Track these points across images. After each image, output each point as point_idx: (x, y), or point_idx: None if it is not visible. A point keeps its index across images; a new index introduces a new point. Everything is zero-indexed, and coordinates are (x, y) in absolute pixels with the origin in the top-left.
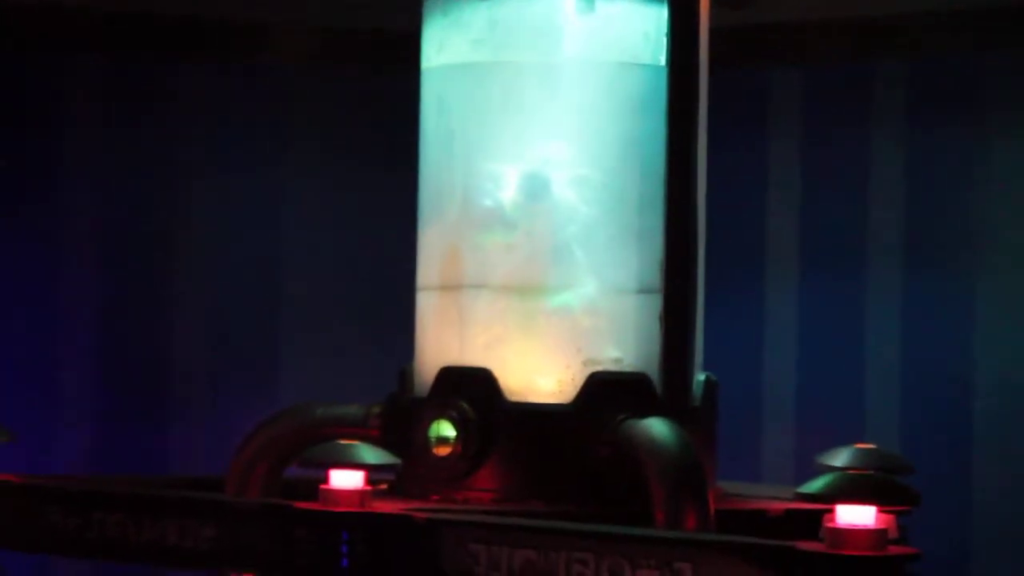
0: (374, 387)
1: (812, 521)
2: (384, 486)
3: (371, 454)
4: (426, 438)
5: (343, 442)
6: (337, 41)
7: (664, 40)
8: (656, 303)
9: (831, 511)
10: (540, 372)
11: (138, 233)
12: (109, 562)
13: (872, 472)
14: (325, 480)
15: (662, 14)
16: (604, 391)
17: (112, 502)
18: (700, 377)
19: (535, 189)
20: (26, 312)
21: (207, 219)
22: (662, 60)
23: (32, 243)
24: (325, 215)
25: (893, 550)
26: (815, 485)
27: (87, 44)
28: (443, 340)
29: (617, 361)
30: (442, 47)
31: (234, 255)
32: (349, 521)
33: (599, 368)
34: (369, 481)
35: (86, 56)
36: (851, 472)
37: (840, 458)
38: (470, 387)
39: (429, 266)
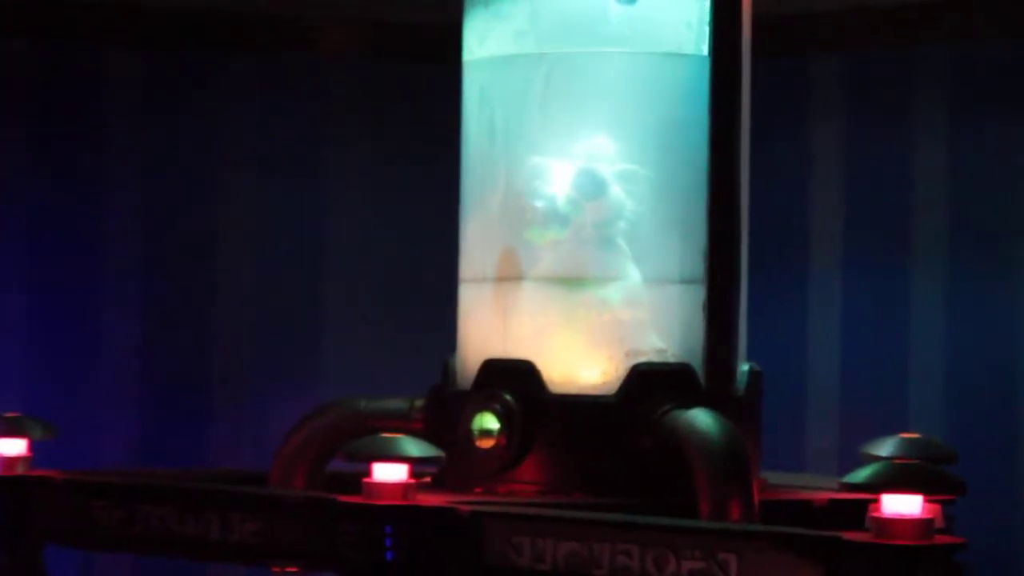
0: (417, 380)
1: (858, 511)
2: (428, 479)
3: (414, 447)
4: (469, 431)
5: (386, 435)
6: (378, 34)
7: (706, 30)
8: (700, 294)
9: (877, 501)
10: (583, 364)
11: (180, 227)
12: (152, 556)
13: (918, 461)
14: (368, 473)
15: (704, 3)
16: (647, 382)
17: (155, 496)
18: (744, 367)
19: (578, 182)
20: (68, 307)
21: (248, 213)
22: (704, 50)
23: (74, 238)
24: (366, 208)
25: (939, 539)
26: (860, 475)
27: (128, 39)
28: (486, 332)
29: (660, 352)
30: (484, 39)
31: (275, 249)
32: (393, 514)
33: (642, 359)
34: (413, 474)
35: (127, 51)
36: (896, 461)
37: (885, 448)
38: (513, 379)
39: (472, 259)
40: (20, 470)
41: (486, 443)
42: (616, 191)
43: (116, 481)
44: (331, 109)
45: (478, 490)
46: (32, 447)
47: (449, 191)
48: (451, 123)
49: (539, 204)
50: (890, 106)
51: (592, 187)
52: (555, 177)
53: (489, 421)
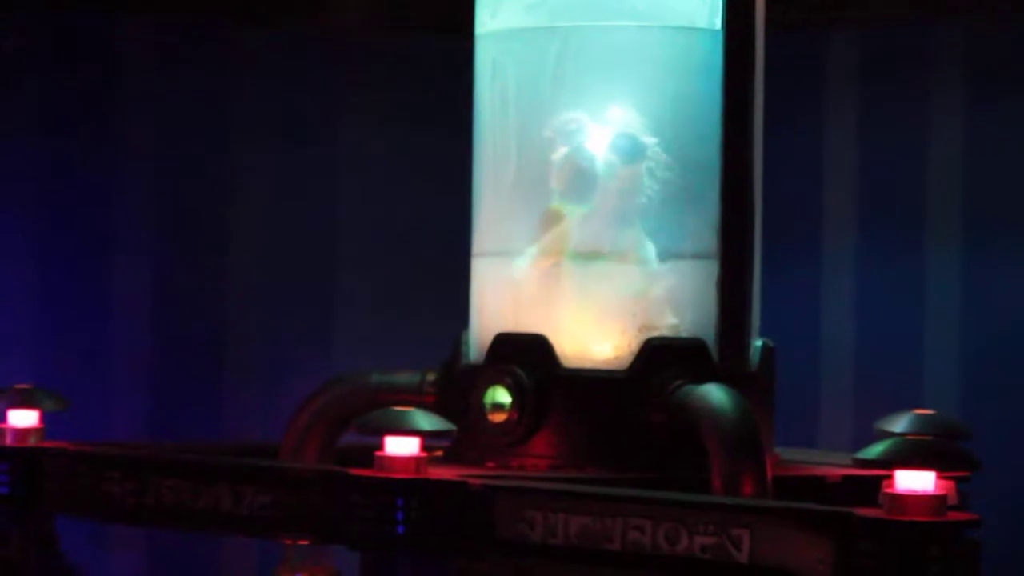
0: (429, 353)
1: (871, 487)
2: (440, 453)
3: (426, 420)
4: (481, 404)
5: (398, 408)
6: (392, 5)
7: (720, 3)
8: (713, 269)
9: (890, 477)
10: (596, 339)
11: (193, 199)
12: (164, 529)
13: (931, 438)
14: (380, 447)
15: None
16: (660, 357)
17: (168, 469)
18: (757, 343)
19: (613, 142)
20: (80, 279)
21: (262, 184)
22: (718, 23)
23: (86, 210)
24: (380, 180)
25: (953, 516)
26: (873, 451)
27: (143, 6)
28: (498, 306)
29: (673, 327)
30: (496, 12)
31: (289, 221)
32: (405, 487)
33: (655, 334)
34: (425, 448)
35: (141, 19)
36: (910, 437)
37: (899, 424)
38: (526, 353)
39: (484, 232)
40: (32, 441)
41: (498, 417)
42: (639, 168)
43: (128, 453)
44: (345, 81)
45: (490, 464)
46: (43, 419)
47: (464, 164)
48: (466, 96)
49: (543, 173)
50: (906, 82)
51: (633, 151)
52: (561, 149)
53: (501, 395)
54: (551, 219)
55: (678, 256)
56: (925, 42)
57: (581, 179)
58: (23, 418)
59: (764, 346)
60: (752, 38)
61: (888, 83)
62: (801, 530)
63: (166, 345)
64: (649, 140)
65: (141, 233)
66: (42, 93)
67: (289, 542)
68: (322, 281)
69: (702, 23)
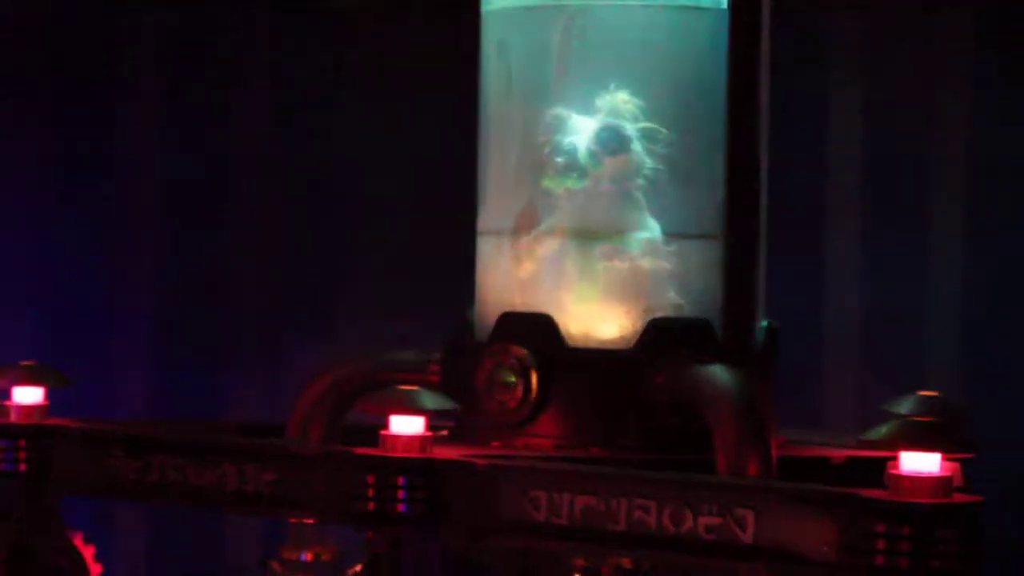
0: (433, 333)
1: (875, 468)
2: (445, 432)
3: (431, 399)
4: (486, 384)
5: (403, 387)
6: None
7: None
8: (718, 249)
9: (895, 458)
10: (601, 318)
11: (196, 177)
12: (169, 506)
13: (936, 419)
14: (385, 426)
15: None
16: (665, 337)
17: (172, 446)
18: (762, 323)
19: (601, 136)
20: (84, 257)
21: (265, 162)
22: (724, 2)
23: (89, 188)
24: (384, 158)
25: (958, 497)
26: (878, 432)
27: None
28: (503, 285)
29: (678, 307)
30: None
31: (293, 200)
32: (409, 466)
33: (660, 314)
34: (430, 427)
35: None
36: (915, 419)
37: (904, 405)
38: (530, 332)
39: (489, 211)
40: (37, 419)
41: (503, 396)
42: (636, 147)
43: (132, 431)
44: (352, 58)
45: (495, 444)
46: (48, 396)
47: (468, 143)
48: (471, 74)
49: (549, 151)
50: (910, 57)
51: (615, 143)
52: (566, 128)
53: (506, 374)
54: (536, 195)
55: (683, 236)
56: (930, 16)
57: (567, 161)
58: (28, 395)
59: (769, 326)
60: (758, 17)
61: (893, 58)
62: (806, 511)
63: (170, 323)
64: (641, 125)
65: (144, 213)
66: (46, 70)
67: (294, 520)
68: (327, 258)
69: (708, 3)
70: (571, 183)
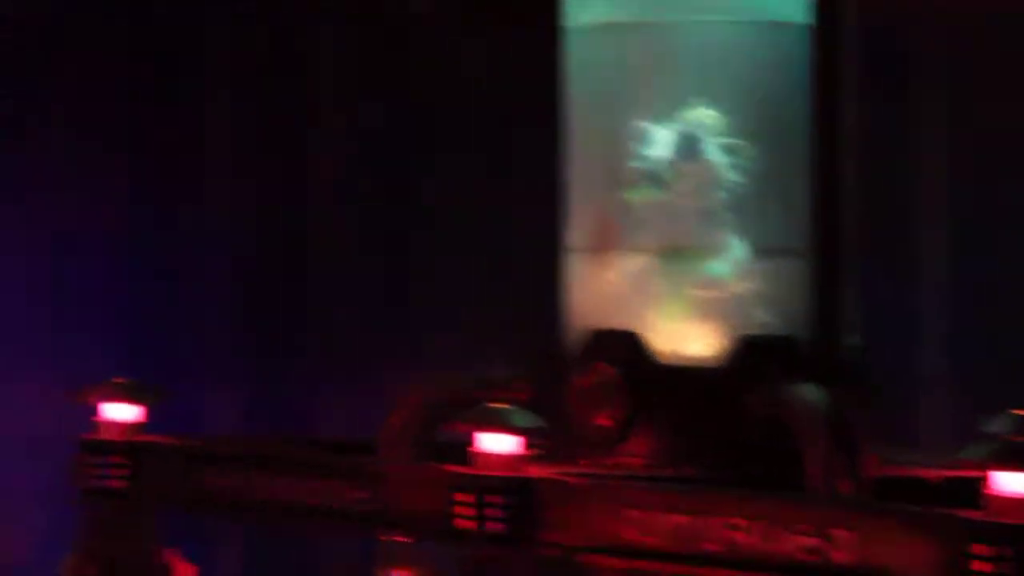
0: (522, 350)
1: (972, 488)
2: (535, 451)
3: (523, 418)
4: (578, 402)
5: (494, 405)
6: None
7: None
8: (807, 266)
9: (992, 478)
10: (689, 335)
11: (290, 200)
12: (260, 524)
13: None
14: (476, 444)
15: None
16: (753, 355)
17: (267, 464)
18: (852, 341)
19: (684, 150)
20: (175, 274)
21: (352, 186)
22: (810, 19)
23: (177, 208)
24: (468, 179)
25: None
26: (975, 451)
27: None
28: (592, 302)
29: (766, 324)
30: (585, 6)
31: (383, 219)
32: (503, 485)
33: (748, 332)
34: (529, 446)
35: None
36: (1009, 439)
37: (1000, 425)
38: (619, 350)
39: (579, 228)
40: (129, 435)
41: (595, 415)
42: (717, 157)
43: (224, 448)
44: (436, 77)
45: (584, 462)
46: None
47: (551, 158)
48: (556, 90)
49: (636, 167)
50: (1000, 70)
51: (688, 147)
52: (653, 144)
53: (598, 393)
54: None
55: (771, 253)
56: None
57: (645, 170)
58: (124, 412)
59: (859, 344)
60: (842, 33)
61: (976, 74)
62: (902, 531)
63: (263, 341)
64: (729, 141)
65: (234, 233)
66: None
67: (385, 539)
68: (416, 279)
69: (793, 18)
70: (650, 194)
